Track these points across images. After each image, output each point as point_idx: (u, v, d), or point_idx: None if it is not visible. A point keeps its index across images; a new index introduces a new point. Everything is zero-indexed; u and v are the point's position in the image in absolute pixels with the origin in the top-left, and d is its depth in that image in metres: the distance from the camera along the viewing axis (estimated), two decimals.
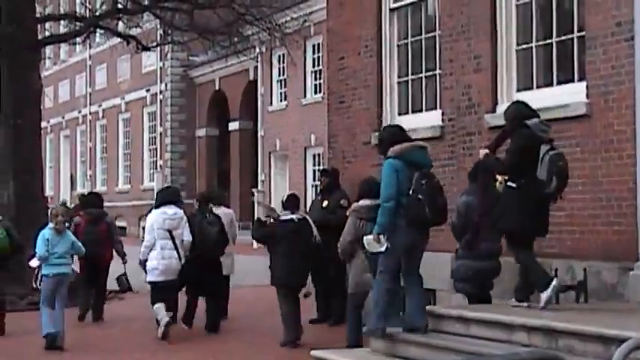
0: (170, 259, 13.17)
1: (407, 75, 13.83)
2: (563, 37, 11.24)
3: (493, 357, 7.89)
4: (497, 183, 9.59)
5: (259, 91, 34.37)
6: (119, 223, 18.02)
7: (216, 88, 38.69)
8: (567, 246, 10.75)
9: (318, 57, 30.00)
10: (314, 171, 30.27)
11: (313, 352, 10.31)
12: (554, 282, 9.24)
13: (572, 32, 11.10)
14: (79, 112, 48.73)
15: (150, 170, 42.08)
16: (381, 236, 9.33)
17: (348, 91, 14.65)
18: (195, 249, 13.41)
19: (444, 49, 12.82)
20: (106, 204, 16.67)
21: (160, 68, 40.42)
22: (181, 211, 13.49)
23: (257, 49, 30.73)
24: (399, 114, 13.87)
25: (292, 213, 12.53)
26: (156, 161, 41.37)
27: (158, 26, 24.79)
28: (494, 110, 11.83)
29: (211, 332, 13.56)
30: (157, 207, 13.54)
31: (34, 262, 12.86)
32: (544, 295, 9.20)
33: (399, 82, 13.95)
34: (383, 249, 9.35)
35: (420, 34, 13.58)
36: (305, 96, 31.14)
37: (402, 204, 9.28)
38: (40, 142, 20.23)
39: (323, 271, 13.12)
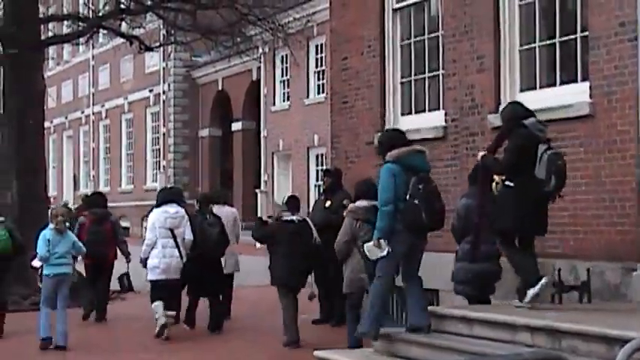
0: (171, 258, 13.19)
1: (410, 75, 13.82)
2: (567, 38, 11.22)
3: (496, 357, 7.90)
4: (494, 184, 9.59)
5: (262, 92, 34.33)
6: (122, 224, 18.02)
7: (219, 88, 38.63)
8: (570, 246, 10.74)
9: (321, 57, 29.97)
10: (317, 171, 30.24)
11: (316, 353, 10.32)
12: (543, 280, 9.24)
13: (576, 32, 11.07)
14: (82, 112, 48.69)
15: (153, 170, 42.06)
16: (382, 241, 9.32)
17: (351, 91, 14.65)
18: (196, 248, 13.45)
19: (447, 50, 12.81)
20: (109, 204, 16.68)
21: (163, 68, 40.38)
22: (183, 210, 13.51)
23: (260, 50, 30.72)
24: (402, 114, 13.87)
25: (293, 214, 12.58)
26: (159, 161, 41.35)
27: (161, 26, 24.75)
28: (497, 110, 11.77)
29: (214, 332, 13.60)
30: (158, 206, 13.56)
31: (36, 263, 12.87)
32: (531, 292, 9.21)
33: (402, 83, 13.94)
34: (384, 253, 9.34)
35: (423, 35, 13.56)
36: (308, 96, 31.10)
37: (399, 209, 9.28)
38: (43, 142, 20.27)
39: (324, 272, 13.13)
